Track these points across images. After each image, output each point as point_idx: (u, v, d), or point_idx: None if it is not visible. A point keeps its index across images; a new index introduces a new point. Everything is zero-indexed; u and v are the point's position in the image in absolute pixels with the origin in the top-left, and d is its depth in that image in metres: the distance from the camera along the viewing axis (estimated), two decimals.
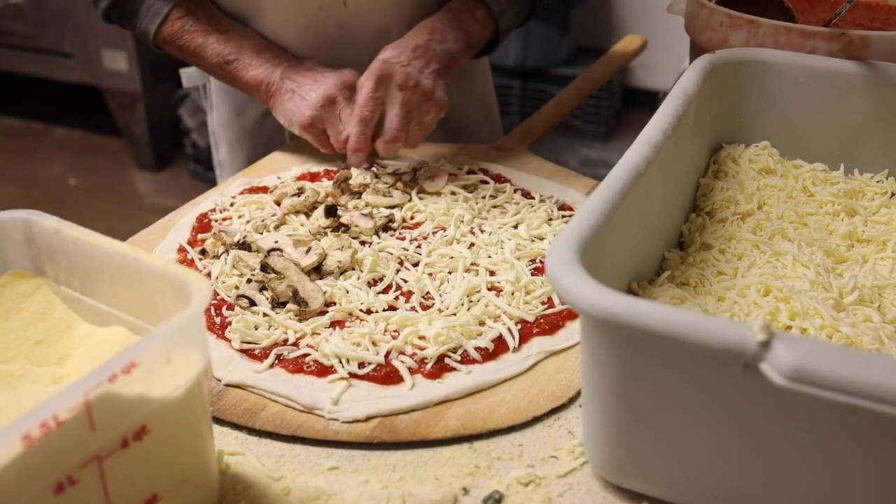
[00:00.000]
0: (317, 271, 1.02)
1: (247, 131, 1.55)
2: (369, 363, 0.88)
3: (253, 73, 1.29)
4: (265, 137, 1.54)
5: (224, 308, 0.97)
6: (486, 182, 1.24)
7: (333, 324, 0.94)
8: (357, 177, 1.21)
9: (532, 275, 1.01)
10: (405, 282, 1.01)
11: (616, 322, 0.62)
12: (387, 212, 1.15)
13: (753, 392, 0.62)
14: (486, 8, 1.35)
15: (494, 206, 1.18)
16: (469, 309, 0.96)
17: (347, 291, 0.99)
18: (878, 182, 1.08)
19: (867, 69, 1.06)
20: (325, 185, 1.22)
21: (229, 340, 0.92)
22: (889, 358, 0.58)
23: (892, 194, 1.06)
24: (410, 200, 1.19)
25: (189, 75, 1.54)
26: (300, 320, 0.94)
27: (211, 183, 1.46)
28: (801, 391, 0.58)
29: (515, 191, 1.21)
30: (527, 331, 0.93)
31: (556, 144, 3.95)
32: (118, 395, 0.60)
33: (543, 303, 0.98)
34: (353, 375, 0.87)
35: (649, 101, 3.67)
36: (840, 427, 0.62)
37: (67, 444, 0.58)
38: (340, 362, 0.88)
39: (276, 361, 0.89)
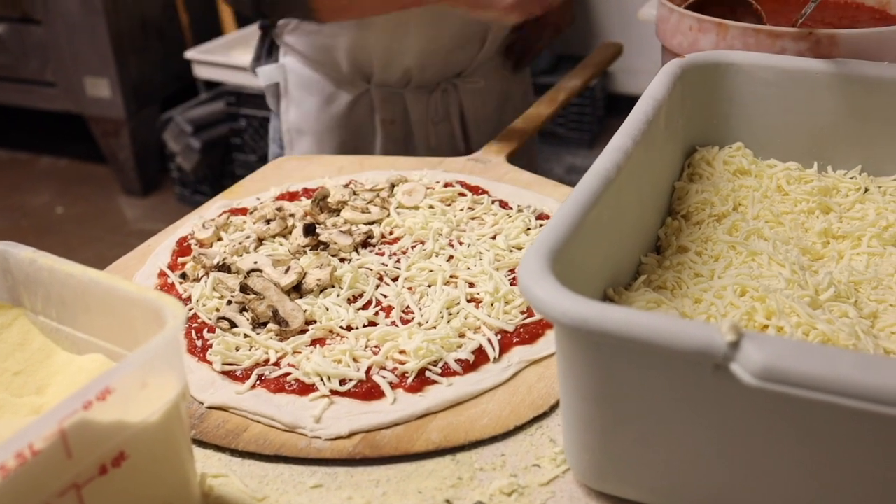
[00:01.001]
0: (297, 290, 1.03)
1: (336, 119, 1.60)
2: (350, 380, 0.88)
3: None
4: (356, 122, 1.60)
5: (205, 331, 0.97)
6: (463, 194, 1.24)
7: (314, 342, 0.95)
8: (335, 194, 1.22)
9: (511, 285, 1.01)
10: (385, 297, 1.02)
11: (587, 329, 0.62)
12: (365, 228, 1.15)
13: (726, 393, 0.63)
14: None
15: (472, 218, 1.18)
16: (449, 321, 0.96)
17: (327, 309, 0.99)
18: (851, 178, 1.09)
19: (836, 67, 1.07)
20: (304, 204, 1.22)
21: (211, 363, 0.92)
22: (857, 353, 0.58)
23: (866, 190, 1.07)
24: (389, 216, 1.19)
25: (266, 73, 1.60)
26: (281, 340, 0.95)
27: (198, 206, 1.47)
28: (771, 390, 0.58)
29: (493, 202, 1.22)
30: (507, 341, 0.94)
31: (541, 153, 3.95)
32: (94, 422, 0.60)
33: (523, 312, 0.98)
34: (334, 393, 0.87)
35: (632, 106, 3.68)
36: (814, 424, 0.62)
37: (44, 473, 0.58)
38: (322, 380, 0.88)
39: (258, 382, 0.89)
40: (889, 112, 1.06)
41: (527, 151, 1.71)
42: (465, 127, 1.67)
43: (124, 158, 3.81)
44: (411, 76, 1.57)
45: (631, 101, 0.99)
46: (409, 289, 1.03)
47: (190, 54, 3.33)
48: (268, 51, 1.65)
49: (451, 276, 1.04)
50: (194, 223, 1.20)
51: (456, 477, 0.79)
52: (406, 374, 0.89)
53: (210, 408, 0.87)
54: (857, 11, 1.32)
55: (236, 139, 3.39)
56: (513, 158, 1.41)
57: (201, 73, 3.37)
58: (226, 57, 3.29)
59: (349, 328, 0.96)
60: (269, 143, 1.77)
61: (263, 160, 1.45)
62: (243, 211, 1.24)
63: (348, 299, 1.01)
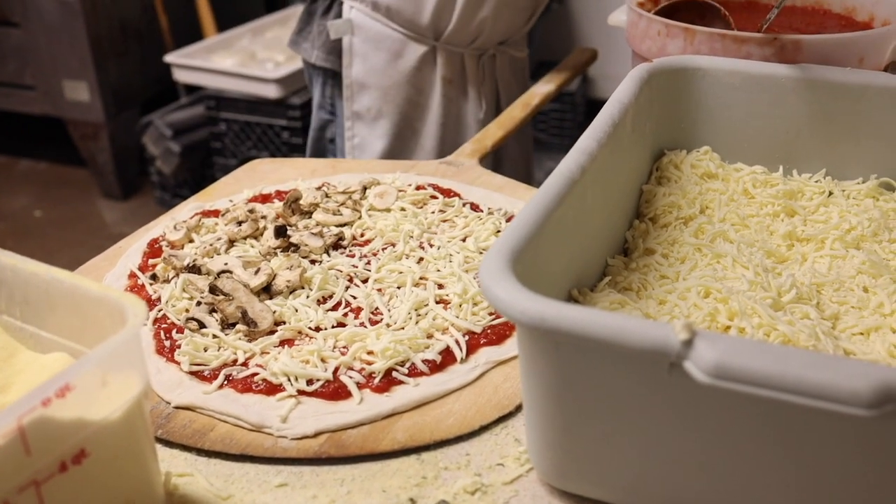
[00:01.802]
0: (266, 291, 1.03)
1: (403, 74, 1.67)
2: (318, 380, 0.89)
3: None
4: (420, 79, 1.67)
5: (174, 331, 0.97)
6: (435, 197, 1.25)
7: (283, 342, 0.95)
8: (307, 196, 1.22)
9: (479, 286, 1.02)
10: (354, 298, 1.02)
11: (545, 327, 0.63)
12: (337, 230, 1.16)
13: (682, 391, 0.63)
14: None
15: (444, 221, 1.19)
16: (417, 322, 0.97)
17: (297, 310, 0.99)
18: (815, 182, 1.11)
19: (800, 72, 1.08)
20: (276, 206, 1.23)
21: (179, 363, 0.92)
22: (807, 352, 0.59)
23: (830, 193, 1.08)
24: (360, 218, 1.19)
25: (337, 27, 1.66)
26: (250, 340, 0.95)
27: None
28: (723, 387, 0.59)
29: (464, 205, 1.22)
30: (474, 342, 0.94)
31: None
32: (53, 420, 0.61)
33: (491, 314, 0.99)
34: (301, 393, 0.87)
35: None
36: (769, 422, 0.63)
37: (3, 469, 0.58)
38: (289, 380, 0.89)
39: (226, 382, 0.89)
40: (853, 117, 1.08)
41: (524, 154, 1.78)
42: (497, 95, 1.78)
43: (103, 162, 3.79)
44: (483, 30, 1.65)
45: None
46: (379, 290, 1.03)
47: (170, 58, 3.31)
48: (325, 10, 1.72)
49: (420, 278, 1.05)
50: (166, 225, 1.20)
51: (420, 476, 0.80)
52: (373, 375, 0.89)
53: (177, 408, 0.87)
54: (823, 18, 1.33)
55: (216, 143, 3.38)
56: (507, 160, 1.43)
57: (181, 76, 3.35)
58: (206, 61, 3.28)
59: (318, 329, 0.97)
60: (314, 111, 1.82)
61: (244, 164, 1.46)
62: (216, 213, 1.24)
63: (318, 300, 1.02)
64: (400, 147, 1.74)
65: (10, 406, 0.58)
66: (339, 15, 1.69)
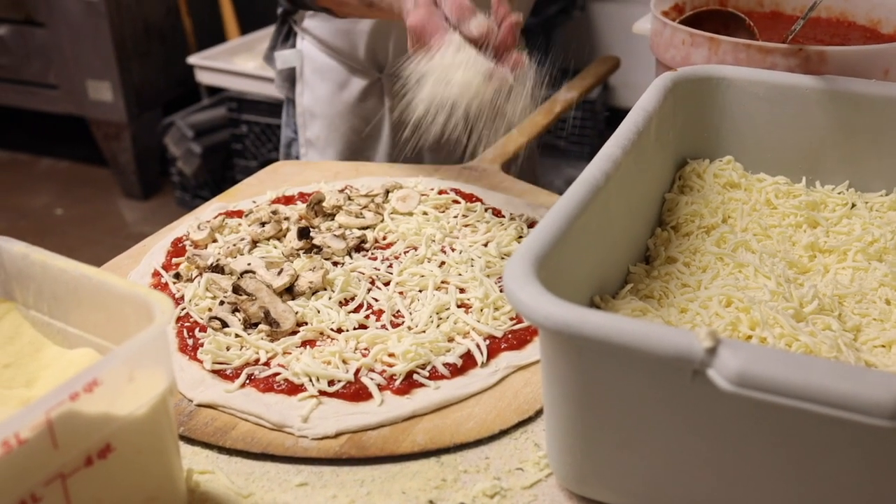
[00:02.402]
0: (289, 292, 1.04)
1: (348, 105, 1.65)
2: (339, 381, 0.89)
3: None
4: (366, 109, 1.64)
5: (197, 330, 0.98)
6: (457, 202, 1.26)
7: (304, 343, 0.96)
8: (330, 199, 1.23)
9: (501, 291, 1.02)
10: (376, 301, 1.03)
11: (569, 333, 0.64)
12: (359, 232, 1.17)
13: (704, 398, 0.64)
14: None
15: (465, 225, 1.19)
16: (438, 326, 0.97)
17: (319, 311, 1.00)
18: (838, 193, 1.10)
19: (825, 83, 1.08)
20: (299, 208, 1.24)
21: (201, 362, 0.93)
22: (831, 362, 0.59)
23: (853, 205, 1.08)
24: (382, 221, 1.20)
25: (284, 57, 1.68)
26: (272, 340, 0.96)
27: None
28: (746, 395, 0.59)
29: (486, 210, 1.23)
30: (495, 346, 0.95)
31: (541, 165, 3.95)
32: (81, 414, 0.61)
33: (512, 318, 0.99)
34: (322, 393, 0.88)
35: None
36: (790, 431, 0.63)
37: (30, 462, 0.59)
38: (310, 380, 0.89)
39: (247, 381, 0.90)
40: (876, 129, 1.08)
41: (528, 161, 1.75)
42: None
43: (125, 162, 3.82)
44: None
45: None
46: (401, 293, 1.04)
47: (192, 59, 3.34)
48: (285, 36, 1.72)
49: (442, 282, 1.05)
50: (190, 224, 1.21)
51: (440, 478, 0.80)
52: (394, 377, 0.90)
53: (199, 405, 0.88)
54: (848, 29, 1.33)
55: (237, 145, 3.41)
56: (514, 166, 1.43)
57: (203, 78, 3.38)
58: (228, 63, 3.31)
59: (339, 330, 0.97)
60: (282, 128, 1.82)
61: (264, 166, 1.48)
62: (239, 213, 1.25)
63: (340, 302, 1.02)
64: None
65: (39, 400, 0.59)
66: (295, 44, 1.70)
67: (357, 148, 1.70)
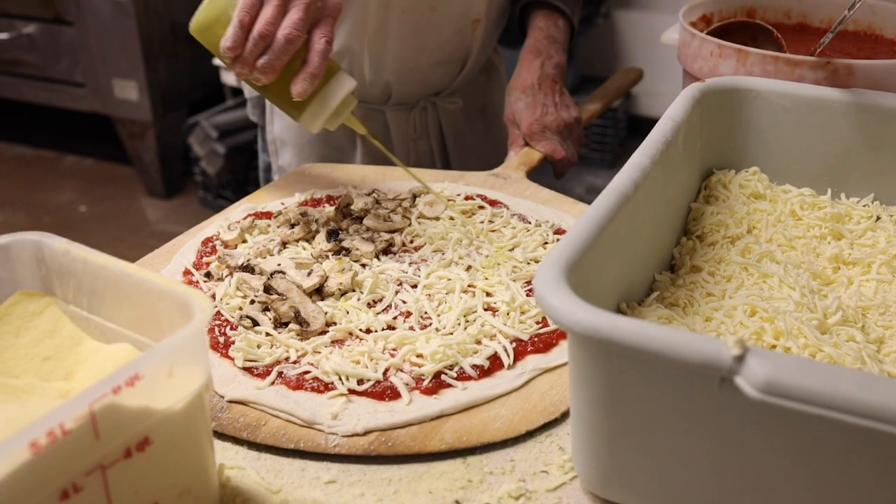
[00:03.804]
0: (318, 293, 1.05)
1: (319, 134, 1.63)
2: (368, 380, 0.91)
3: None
4: (336, 136, 1.64)
5: (228, 328, 1.00)
6: (483, 207, 1.27)
7: (333, 342, 0.97)
8: (358, 202, 1.25)
9: (527, 295, 1.04)
10: (404, 303, 1.04)
11: (598, 338, 0.65)
12: (387, 236, 1.18)
13: (730, 406, 0.65)
14: (563, 16, 1.58)
15: (492, 231, 1.21)
16: (465, 328, 0.99)
17: (348, 312, 1.02)
18: (863, 206, 1.11)
19: (852, 97, 1.09)
20: (328, 211, 1.25)
21: (232, 359, 0.95)
22: (858, 372, 0.60)
23: (878, 218, 1.09)
24: (410, 225, 1.22)
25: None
26: (301, 340, 0.97)
27: (220, 210, 1.51)
28: (774, 403, 0.60)
29: (512, 216, 1.24)
30: (521, 349, 0.96)
31: None
32: (122, 407, 0.63)
33: (538, 322, 1.00)
34: (352, 392, 0.90)
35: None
36: (816, 441, 0.64)
37: (73, 452, 0.61)
38: (340, 379, 0.91)
39: (278, 378, 0.92)
40: None
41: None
42: (444, 145, 1.71)
43: (149, 160, 3.86)
44: (391, 92, 1.61)
45: (652, 123, 1.01)
46: (428, 296, 1.05)
47: (219, 61, 3.37)
48: None
49: (468, 286, 1.07)
50: (220, 224, 1.23)
51: (466, 479, 0.82)
52: (422, 377, 0.91)
53: (230, 402, 0.90)
54: (875, 43, 1.34)
55: None
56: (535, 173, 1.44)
57: (229, 79, 3.41)
58: None
59: (368, 331, 0.99)
60: (259, 153, 1.82)
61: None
62: (268, 215, 1.27)
63: (368, 304, 1.04)
64: None
65: (83, 392, 0.61)
66: None
67: None
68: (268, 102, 1.68)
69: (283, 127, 1.68)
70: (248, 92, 1.71)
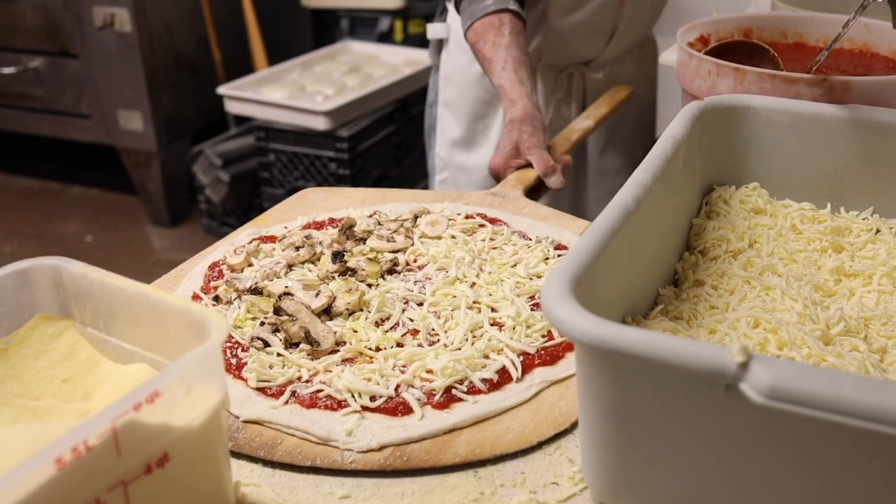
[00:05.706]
0: (326, 313, 1.07)
1: (477, 75, 1.92)
2: (380, 396, 0.92)
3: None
4: (490, 84, 1.76)
5: (239, 350, 1.01)
6: (484, 225, 1.29)
7: (344, 361, 0.99)
8: (361, 224, 1.27)
9: (532, 310, 1.06)
10: (411, 320, 1.06)
11: (605, 348, 0.66)
12: (391, 256, 1.20)
13: (736, 413, 0.66)
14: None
15: (493, 248, 1.23)
16: (473, 343, 1.01)
17: (356, 331, 1.03)
18: (863, 219, 1.13)
19: (849, 112, 1.11)
20: (331, 233, 1.27)
21: (245, 380, 0.96)
22: (860, 376, 0.62)
23: (877, 231, 1.11)
24: (413, 244, 1.24)
25: (434, 29, 2.02)
26: (312, 359, 0.99)
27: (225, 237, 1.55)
28: (778, 408, 0.62)
29: (512, 233, 1.26)
30: (528, 362, 0.98)
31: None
32: (142, 423, 0.65)
33: (544, 336, 1.02)
34: (365, 408, 0.91)
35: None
36: (820, 444, 0.65)
37: (96, 468, 0.62)
38: (353, 396, 0.92)
39: (291, 397, 0.93)
40: None
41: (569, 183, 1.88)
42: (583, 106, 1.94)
43: (154, 189, 3.88)
44: (541, 53, 1.88)
45: (653, 141, 1.03)
46: (435, 313, 1.07)
47: (222, 90, 3.40)
48: (441, 11, 2.03)
49: (473, 302, 1.08)
50: (225, 249, 1.25)
51: (478, 492, 0.83)
52: (433, 392, 0.93)
53: (246, 422, 0.91)
54: (871, 60, 1.36)
55: (265, 173, 3.46)
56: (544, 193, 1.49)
57: (232, 108, 3.44)
58: (257, 93, 3.36)
59: (377, 349, 1.01)
60: (428, 91, 2.16)
61: (291, 193, 1.52)
62: (272, 238, 1.29)
63: (376, 322, 1.06)
64: (471, 136, 2.03)
65: (105, 409, 0.62)
66: (446, 19, 2.01)
67: (480, 114, 2.00)
68: (444, 43, 2.01)
69: (453, 67, 2.00)
70: (432, 33, 2.02)
